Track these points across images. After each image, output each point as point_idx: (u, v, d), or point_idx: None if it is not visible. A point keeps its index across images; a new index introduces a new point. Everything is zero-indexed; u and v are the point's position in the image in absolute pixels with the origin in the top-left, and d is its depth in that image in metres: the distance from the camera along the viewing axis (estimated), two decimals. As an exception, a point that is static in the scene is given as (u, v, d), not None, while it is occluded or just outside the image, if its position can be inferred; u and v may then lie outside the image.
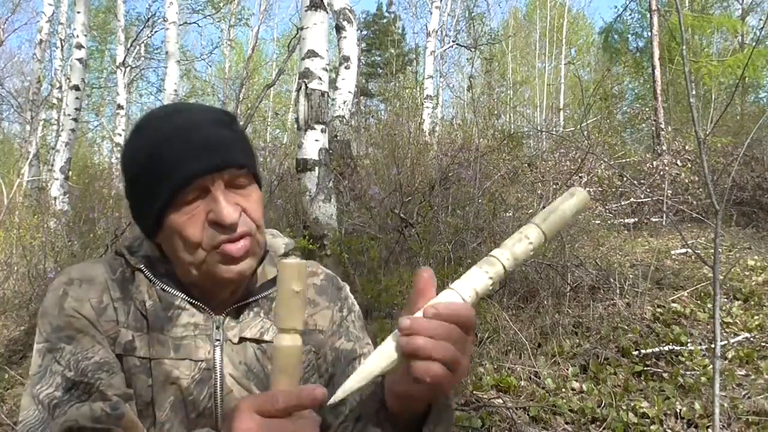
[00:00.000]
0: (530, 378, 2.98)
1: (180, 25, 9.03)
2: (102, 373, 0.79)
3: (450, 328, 0.58)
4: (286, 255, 0.99)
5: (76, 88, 7.36)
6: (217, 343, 0.85)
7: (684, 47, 1.99)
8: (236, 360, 0.86)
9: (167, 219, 0.82)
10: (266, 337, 0.89)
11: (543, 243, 0.62)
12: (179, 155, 0.80)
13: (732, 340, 3.32)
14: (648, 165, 7.74)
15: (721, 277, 1.89)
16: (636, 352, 3.15)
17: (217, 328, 0.86)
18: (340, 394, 0.58)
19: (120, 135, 11.86)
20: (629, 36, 14.34)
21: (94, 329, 0.82)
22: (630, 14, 14.17)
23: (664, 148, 8.72)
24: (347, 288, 1.03)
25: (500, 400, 2.77)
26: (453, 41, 14.74)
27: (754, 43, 12.52)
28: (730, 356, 3.14)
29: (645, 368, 3.02)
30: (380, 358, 0.59)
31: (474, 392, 2.79)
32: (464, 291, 0.60)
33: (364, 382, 0.58)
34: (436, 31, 11.69)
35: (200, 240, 0.80)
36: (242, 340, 0.88)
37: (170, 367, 0.83)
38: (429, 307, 0.59)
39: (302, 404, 0.58)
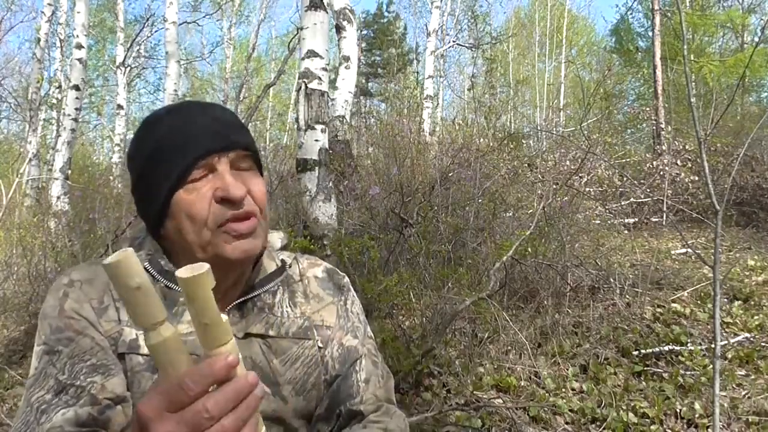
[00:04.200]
0: (530, 378, 2.98)
1: (180, 24, 9.03)
2: (96, 376, 0.78)
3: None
4: (284, 248, 0.99)
5: (76, 88, 7.36)
6: None
7: (685, 47, 1.98)
8: (242, 355, 0.86)
9: (175, 199, 0.82)
10: (271, 333, 0.90)
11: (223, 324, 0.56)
12: (188, 136, 0.83)
13: (732, 340, 3.31)
14: (648, 165, 7.73)
15: (721, 277, 1.89)
16: (636, 352, 3.14)
17: None
18: None
19: (120, 135, 11.85)
20: (632, 35, 14.35)
21: (94, 330, 0.82)
22: (631, 14, 14.19)
23: (665, 148, 8.71)
24: (347, 279, 1.05)
25: (500, 400, 2.77)
26: (453, 41, 14.73)
27: (755, 43, 12.51)
28: (730, 356, 3.14)
29: (645, 368, 3.02)
30: None
31: (474, 392, 2.78)
32: None
33: None
34: (437, 31, 11.67)
35: (206, 217, 0.81)
36: (247, 335, 0.89)
37: None
38: None
39: (217, 377, 0.53)
